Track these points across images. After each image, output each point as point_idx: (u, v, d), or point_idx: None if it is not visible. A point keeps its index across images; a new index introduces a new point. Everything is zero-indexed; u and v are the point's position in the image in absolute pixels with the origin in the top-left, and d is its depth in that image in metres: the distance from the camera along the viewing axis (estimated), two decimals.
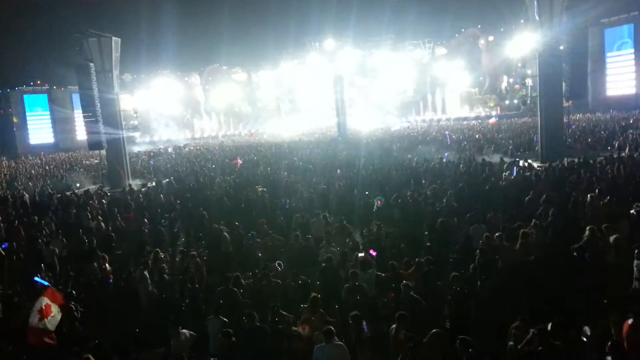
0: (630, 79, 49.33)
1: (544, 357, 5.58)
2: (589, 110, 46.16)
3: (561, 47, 21.16)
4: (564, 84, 21.46)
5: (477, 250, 8.84)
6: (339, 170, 20.28)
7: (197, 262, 9.97)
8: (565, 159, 18.83)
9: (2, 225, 14.47)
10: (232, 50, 73.73)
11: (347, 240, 10.86)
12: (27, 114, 67.10)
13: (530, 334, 5.80)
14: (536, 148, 23.39)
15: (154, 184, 22.89)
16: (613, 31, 50.08)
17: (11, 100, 67.23)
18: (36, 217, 14.89)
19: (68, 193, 20.87)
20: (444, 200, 13.12)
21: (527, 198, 12.48)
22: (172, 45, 69.07)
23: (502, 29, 61.23)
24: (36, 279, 9.01)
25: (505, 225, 10.54)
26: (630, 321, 5.77)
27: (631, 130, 27.19)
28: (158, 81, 71.42)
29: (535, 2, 21.02)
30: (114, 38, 24.75)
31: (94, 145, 25.17)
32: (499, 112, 58.17)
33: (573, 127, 31.91)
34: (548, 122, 21.57)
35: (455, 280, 7.55)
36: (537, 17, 21.14)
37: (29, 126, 67.30)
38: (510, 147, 27.09)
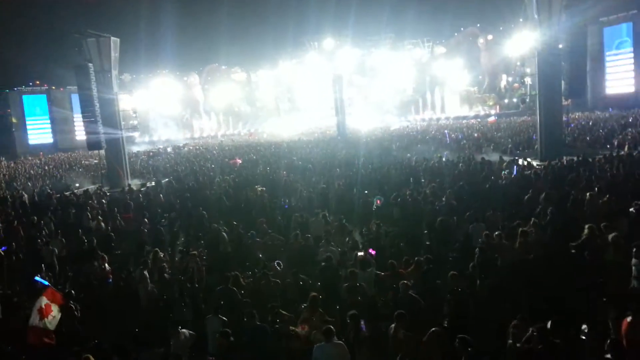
0: (629, 77, 49.35)
1: (543, 355, 5.58)
2: (588, 109, 46.21)
3: (560, 46, 21.18)
4: (563, 82, 21.49)
5: (477, 249, 8.84)
6: (338, 170, 20.29)
7: (197, 262, 9.97)
8: (565, 158, 18.85)
9: (1, 225, 14.46)
10: (231, 50, 73.90)
11: (347, 239, 10.86)
12: (26, 114, 67.06)
13: (530, 332, 5.81)
14: (535, 146, 23.41)
15: (153, 183, 22.89)
16: (612, 30, 50.08)
17: (10, 101, 67.21)
18: (35, 218, 14.88)
19: (67, 193, 20.87)
20: (444, 199, 13.13)
21: (526, 197, 12.49)
22: (171, 45, 69.18)
23: (501, 28, 61.27)
24: (36, 278, 9.01)
25: (504, 224, 10.54)
26: (629, 319, 5.78)
27: (630, 129, 27.19)
28: (157, 81, 71.39)
29: (534, 1, 21.01)
30: (112, 38, 24.74)
31: (93, 145, 25.18)
32: (498, 111, 58.20)
33: (572, 125, 31.94)
34: (547, 120, 21.58)
35: (453, 279, 7.55)
36: (536, 16, 21.14)
37: (28, 126, 67.25)
38: (510, 145, 27.11)
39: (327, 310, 7.41)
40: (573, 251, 8.51)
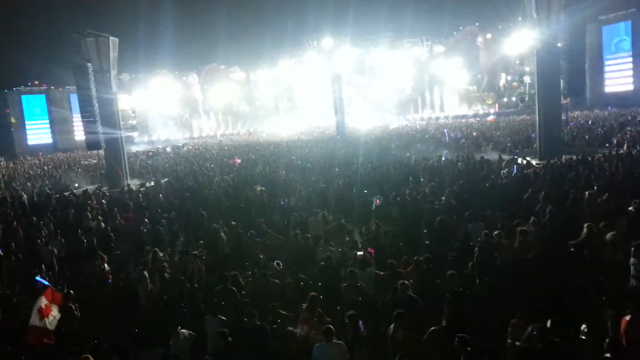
0: (628, 75, 49.40)
1: (543, 354, 5.58)
2: (587, 107, 46.26)
3: (559, 45, 21.16)
4: (562, 81, 21.48)
5: (476, 248, 8.83)
6: (337, 169, 20.29)
7: (197, 262, 9.97)
8: (564, 156, 18.85)
9: (0, 226, 14.44)
10: (230, 50, 73.96)
11: (347, 239, 10.86)
12: (25, 114, 67.02)
13: (529, 330, 5.81)
14: (534, 145, 23.41)
15: (152, 183, 22.88)
16: (611, 28, 50.13)
17: (9, 101, 67.15)
18: (34, 218, 14.86)
19: (66, 193, 20.85)
20: (443, 198, 13.13)
21: (525, 196, 12.49)
22: (169, 44, 69.27)
23: (500, 27, 61.21)
24: (37, 278, 9.01)
25: (504, 223, 10.55)
26: (628, 317, 5.78)
27: (630, 128, 27.20)
28: (156, 81, 71.35)
29: (533, 0, 21.02)
30: (111, 38, 24.71)
31: (92, 145, 25.15)
32: (497, 110, 58.19)
33: (571, 124, 31.96)
34: (546, 119, 21.59)
35: (451, 279, 7.54)
36: (535, 15, 21.14)
37: (27, 127, 67.23)
38: (509, 144, 27.11)
39: (328, 310, 7.40)
40: (572, 249, 8.51)
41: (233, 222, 12.56)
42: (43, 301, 7.64)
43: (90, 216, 15.19)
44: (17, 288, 9.91)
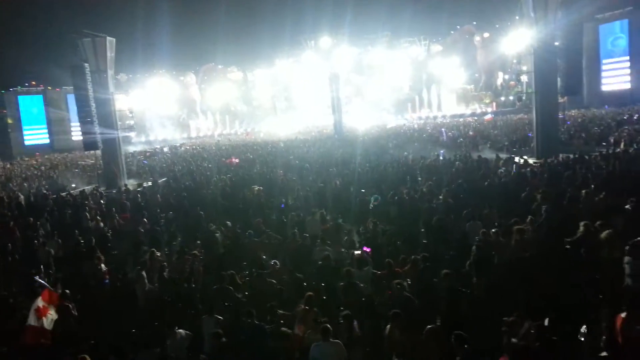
0: (625, 74, 49.54)
1: (540, 352, 5.59)
2: (584, 106, 46.36)
3: (556, 43, 21.19)
4: (559, 80, 21.51)
5: (473, 247, 8.84)
6: (333, 169, 20.29)
7: (196, 262, 9.97)
8: (561, 155, 18.87)
9: None
10: (227, 49, 73.95)
11: (345, 238, 10.86)
12: (22, 115, 66.88)
13: (526, 326, 5.81)
14: (531, 144, 23.44)
15: (149, 183, 22.84)
16: (608, 27, 50.26)
17: (6, 102, 67.08)
18: (31, 218, 14.83)
19: (63, 194, 20.82)
20: (440, 197, 13.14)
21: (523, 194, 12.51)
22: (167, 44, 69.12)
23: (497, 26, 61.32)
24: (36, 279, 9.00)
25: (501, 222, 10.56)
26: (623, 315, 5.80)
27: (627, 126, 27.26)
28: (153, 81, 71.28)
29: None
30: (108, 38, 24.65)
31: (89, 145, 25.07)
32: (494, 109, 58.29)
33: (569, 122, 32.00)
34: (543, 118, 21.62)
35: (446, 278, 7.55)
36: (532, 14, 21.16)
37: (24, 127, 67.10)
38: (506, 143, 27.14)
39: (326, 310, 7.40)
40: (568, 247, 8.52)
41: (228, 222, 12.56)
42: (40, 302, 7.64)
43: (89, 216, 15.19)
44: (14, 289, 9.88)
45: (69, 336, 7.88)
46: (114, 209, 16.04)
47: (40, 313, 7.52)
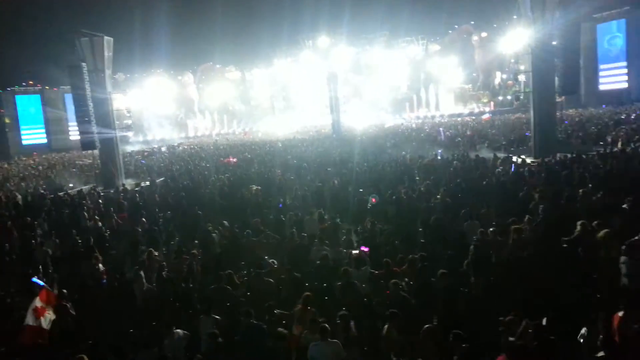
0: (622, 73, 49.66)
1: (538, 351, 5.61)
2: (581, 105, 46.50)
3: (554, 43, 21.23)
4: (556, 79, 21.54)
5: (471, 246, 8.85)
6: (330, 168, 20.28)
7: (194, 262, 9.96)
8: (558, 154, 18.91)
9: None
10: (225, 49, 73.79)
11: (343, 237, 10.86)
12: (20, 114, 66.74)
13: (523, 325, 5.82)
14: (529, 143, 23.48)
15: (147, 183, 22.80)
16: (605, 26, 50.40)
17: (3, 101, 66.98)
18: (29, 218, 14.80)
19: (61, 194, 20.78)
20: (438, 196, 13.15)
21: (520, 194, 12.53)
22: (165, 44, 68.90)
23: (495, 25, 61.41)
24: (34, 279, 8.97)
25: (498, 221, 10.57)
26: (620, 314, 5.81)
27: (624, 126, 27.32)
28: (151, 80, 71.22)
29: None
30: (106, 37, 24.60)
31: (86, 145, 25.01)
32: (492, 108, 58.38)
33: (567, 122, 32.06)
34: (541, 117, 21.65)
35: (443, 278, 7.55)
36: (530, 13, 21.19)
37: (21, 127, 66.98)
38: (504, 142, 27.18)
39: (324, 309, 7.40)
40: (565, 246, 8.54)
41: (225, 222, 12.55)
42: (38, 302, 7.62)
43: (86, 216, 15.16)
44: (12, 289, 9.86)
45: (67, 336, 7.87)
46: (111, 208, 16.00)
47: (38, 313, 7.51)
